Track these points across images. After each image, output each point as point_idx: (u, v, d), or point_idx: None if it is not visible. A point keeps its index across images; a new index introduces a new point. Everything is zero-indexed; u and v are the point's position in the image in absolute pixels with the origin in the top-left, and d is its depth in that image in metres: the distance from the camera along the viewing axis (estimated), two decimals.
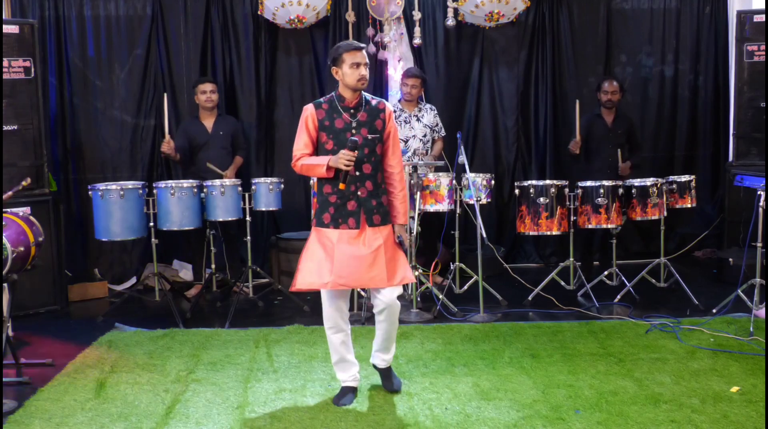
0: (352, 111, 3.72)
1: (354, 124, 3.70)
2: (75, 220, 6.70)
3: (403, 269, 3.79)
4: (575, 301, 5.74)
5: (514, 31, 7.18)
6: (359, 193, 3.70)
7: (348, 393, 3.81)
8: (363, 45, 3.75)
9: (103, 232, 5.38)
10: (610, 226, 5.64)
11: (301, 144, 3.74)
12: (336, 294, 3.72)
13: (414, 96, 6.24)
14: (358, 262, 3.62)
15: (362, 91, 3.76)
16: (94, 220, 5.42)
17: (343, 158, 3.58)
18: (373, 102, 3.80)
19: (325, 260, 3.65)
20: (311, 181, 5.62)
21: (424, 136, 6.27)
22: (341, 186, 3.64)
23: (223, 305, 5.89)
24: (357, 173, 3.68)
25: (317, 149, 3.76)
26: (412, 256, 5.54)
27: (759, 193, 5.08)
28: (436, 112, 6.37)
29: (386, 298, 3.72)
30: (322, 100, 3.79)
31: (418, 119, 6.27)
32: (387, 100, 6.81)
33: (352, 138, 3.63)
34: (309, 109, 3.75)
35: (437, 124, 6.37)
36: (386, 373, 3.95)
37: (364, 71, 3.67)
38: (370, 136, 3.71)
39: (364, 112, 3.74)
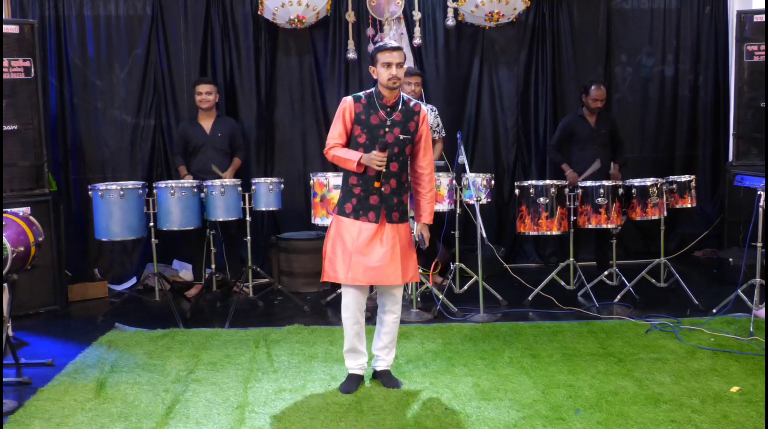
0: (388, 109, 3.80)
1: (388, 123, 3.78)
2: (75, 220, 6.69)
3: (414, 267, 3.92)
4: (575, 301, 5.73)
5: (514, 31, 7.18)
6: (383, 189, 3.78)
7: (354, 380, 3.92)
8: (398, 45, 3.81)
9: (103, 232, 5.38)
10: (610, 226, 5.64)
11: (336, 133, 3.82)
12: (356, 286, 3.81)
13: (417, 94, 6.22)
14: (375, 260, 3.73)
15: (401, 92, 3.84)
16: (94, 220, 5.42)
17: (375, 160, 3.69)
18: (410, 103, 3.87)
19: (344, 255, 3.76)
20: (311, 181, 5.62)
21: None
22: (376, 184, 3.74)
23: (223, 305, 5.89)
24: (384, 170, 3.75)
25: (350, 141, 3.84)
26: None
27: (759, 193, 5.08)
28: (437, 112, 6.34)
29: (398, 297, 3.90)
30: (362, 94, 3.85)
31: None
32: None
33: (381, 139, 3.72)
34: (348, 101, 3.82)
35: (438, 125, 6.35)
36: (387, 374, 4.00)
37: (395, 71, 3.73)
38: (401, 137, 3.79)
39: (399, 112, 3.81)
